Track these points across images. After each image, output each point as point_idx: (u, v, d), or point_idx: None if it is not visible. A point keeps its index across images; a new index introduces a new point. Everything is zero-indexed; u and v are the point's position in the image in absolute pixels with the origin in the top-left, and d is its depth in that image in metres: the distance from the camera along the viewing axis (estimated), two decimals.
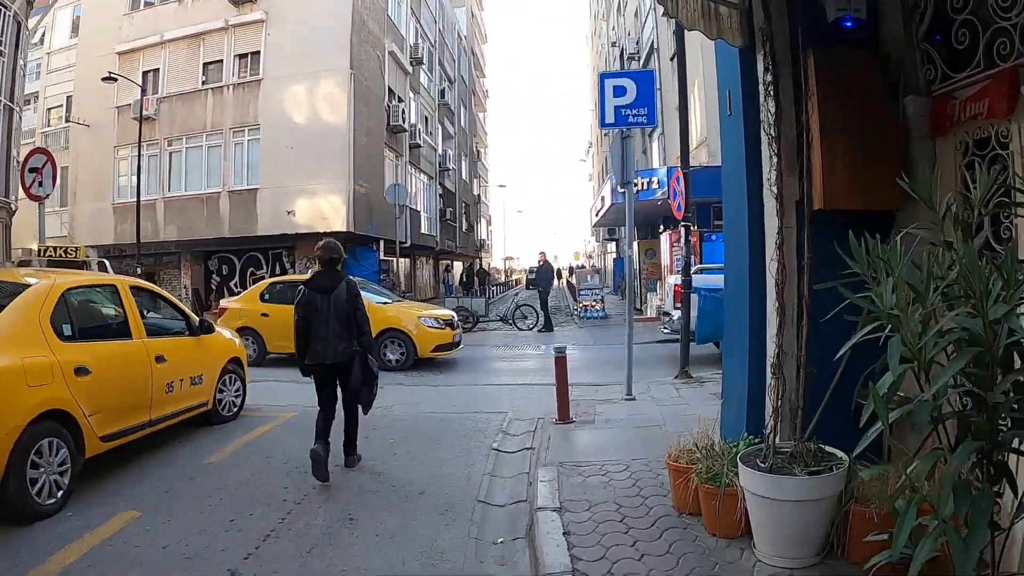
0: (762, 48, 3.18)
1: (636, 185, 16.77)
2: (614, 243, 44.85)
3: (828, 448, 3.24)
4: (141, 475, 5.33)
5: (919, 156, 3.29)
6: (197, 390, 6.78)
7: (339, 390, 5.39)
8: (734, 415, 3.79)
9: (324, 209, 18.23)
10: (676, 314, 10.31)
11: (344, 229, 17.99)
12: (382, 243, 20.93)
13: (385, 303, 11.87)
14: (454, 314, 12.32)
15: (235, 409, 7.60)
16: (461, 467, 5.55)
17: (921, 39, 3.31)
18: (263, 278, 21.45)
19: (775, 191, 3.16)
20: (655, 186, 15.68)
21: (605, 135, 37.70)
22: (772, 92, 3.13)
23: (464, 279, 29.40)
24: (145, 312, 6.95)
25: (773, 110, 3.14)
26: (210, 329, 7.16)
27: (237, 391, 7.68)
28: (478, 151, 46.97)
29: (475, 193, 43.78)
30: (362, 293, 11.48)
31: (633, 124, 6.99)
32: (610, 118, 7.05)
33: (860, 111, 3.18)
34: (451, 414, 7.53)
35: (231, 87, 20.04)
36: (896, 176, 3.33)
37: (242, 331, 11.63)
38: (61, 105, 26.45)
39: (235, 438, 6.63)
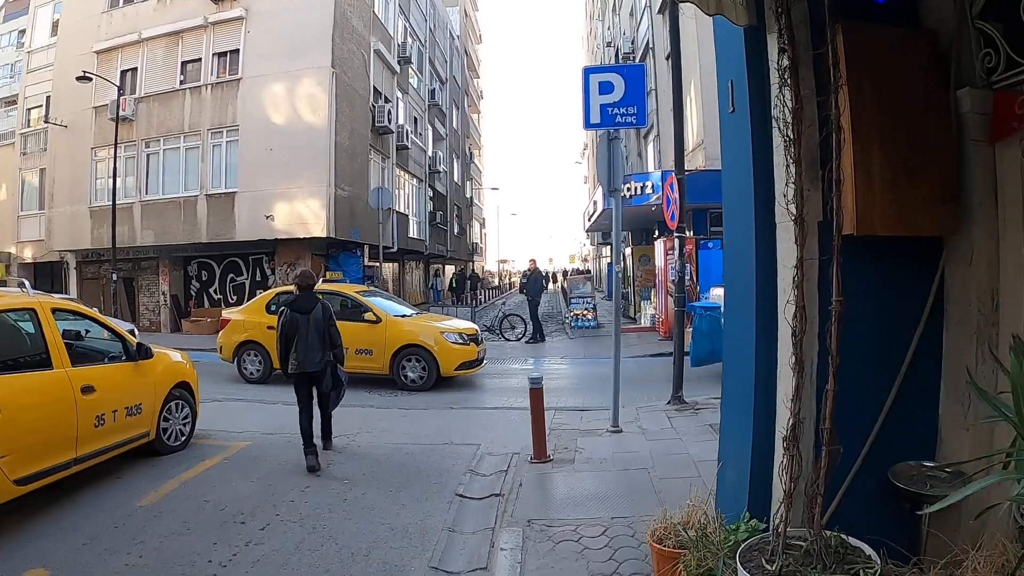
0: (776, 24, 2.44)
1: (629, 190, 16.09)
2: (608, 247, 44.33)
3: (852, 540, 2.50)
4: (62, 521, 4.72)
5: (974, 165, 2.55)
6: (135, 421, 6.14)
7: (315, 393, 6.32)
8: (733, 485, 3.04)
9: (304, 214, 17.43)
10: None
11: (325, 234, 17.21)
12: (367, 248, 20.16)
13: (404, 316, 10.90)
14: (478, 328, 11.42)
15: (183, 438, 6.96)
16: (417, 519, 4.81)
17: (976, 16, 2.57)
18: (243, 285, 20.72)
19: (792, 210, 2.41)
20: (649, 191, 14.96)
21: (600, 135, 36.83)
22: (789, 80, 2.38)
23: (454, 284, 28.60)
24: (84, 335, 6.30)
25: (790, 104, 2.38)
26: (148, 353, 6.45)
27: (185, 418, 7.02)
28: (471, 153, 46.22)
29: (467, 196, 43.02)
30: (377, 303, 10.69)
31: (621, 125, 6.25)
32: (595, 118, 6.31)
33: (903, 106, 2.44)
34: (418, 446, 6.78)
35: (209, 87, 19.26)
36: (948, 190, 2.60)
37: (246, 345, 10.79)
38: (41, 106, 25.67)
39: (175, 475, 5.95)
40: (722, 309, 7.84)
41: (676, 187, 7.55)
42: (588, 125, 6.42)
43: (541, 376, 5.71)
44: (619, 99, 6.23)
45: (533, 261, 19.38)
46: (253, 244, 18.38)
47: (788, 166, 2.43)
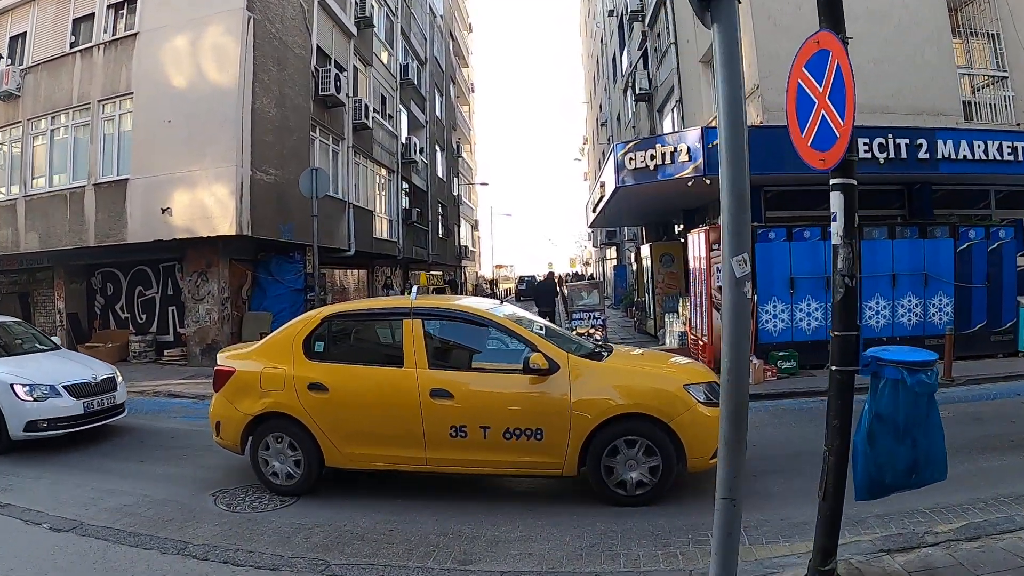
0: None
1: (653, 158, 11.64)
2: (614, 248, 39.83)
3: None
4: None
5: None
6: None
7: None
8: None
9: (208, 204, 12.92)
10: None
11: (234, 231, 12.64)
12: (308, 250, 15.69)
13: (594, 355, 5.72)
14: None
15: None
16: None
17: None
18: (152, 300, 16.20)
19: None
20: (683, 158, 10.44)
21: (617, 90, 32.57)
22: None
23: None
24: None
25: None
26: None
27: None
28: (458, 146, 41.75)
29: (454, 193, 38.55)
30: (533, 329, 5.82)
31: None
32: None
33: None
34: None
35: (102, 46, 14.89)
36: None
37: (267, 422, 5.63)
38: None
39: None
40: (931, 365, 3.34)
41: (832, 63, 3.07)
42: None
43: None
44: None
45: (551, 271, 17.14)
46: (151, 247, 13.90)
47: None
